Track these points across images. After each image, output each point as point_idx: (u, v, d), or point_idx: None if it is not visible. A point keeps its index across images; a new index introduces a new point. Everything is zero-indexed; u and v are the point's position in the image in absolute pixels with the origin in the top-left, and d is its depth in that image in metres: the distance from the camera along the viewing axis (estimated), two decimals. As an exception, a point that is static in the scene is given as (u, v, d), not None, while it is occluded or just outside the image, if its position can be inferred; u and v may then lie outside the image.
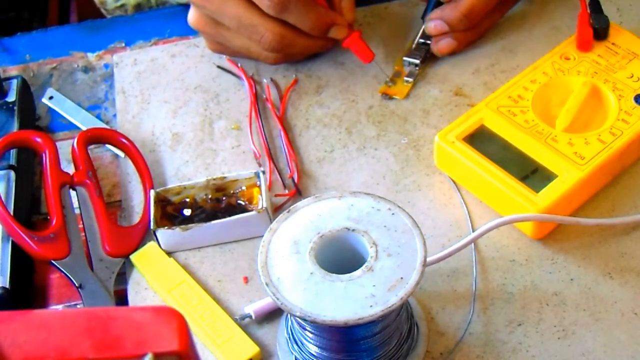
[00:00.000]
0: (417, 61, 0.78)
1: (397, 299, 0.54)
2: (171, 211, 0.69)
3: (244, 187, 0.69)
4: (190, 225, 0.67)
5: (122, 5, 0.94)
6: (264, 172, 0.69)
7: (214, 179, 0.69)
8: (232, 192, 0.70)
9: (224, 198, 0.69)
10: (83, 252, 0.68)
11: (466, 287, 0.64)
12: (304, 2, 0.73)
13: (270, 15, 0.73)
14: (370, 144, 0.74)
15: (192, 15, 0.77)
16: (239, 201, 0.69)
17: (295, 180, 0.71)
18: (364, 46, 0.77)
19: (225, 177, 0.69)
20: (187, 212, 0.69)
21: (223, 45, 0.78)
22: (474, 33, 0.78)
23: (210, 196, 0.69)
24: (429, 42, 0.78)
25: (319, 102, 0.77)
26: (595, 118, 0.69)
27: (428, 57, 0.78)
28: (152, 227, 0.68)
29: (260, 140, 0.74)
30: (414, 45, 0.79)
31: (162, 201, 0.69)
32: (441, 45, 0.77)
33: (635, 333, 0.61)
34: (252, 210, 0.68)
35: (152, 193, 0.69)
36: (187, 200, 0.70)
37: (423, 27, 0.78)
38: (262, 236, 0.58)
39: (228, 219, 0.67)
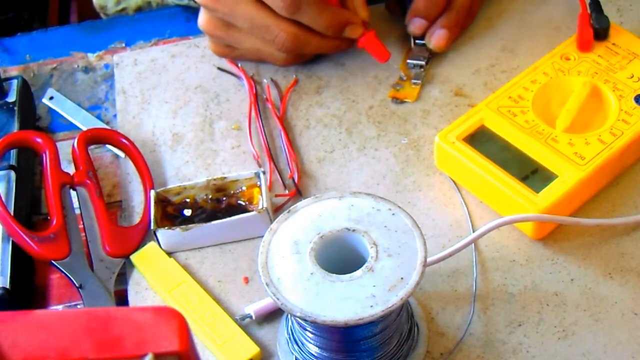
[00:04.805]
0: (422, 62, 0.78)
1: (398, 299, 0.54)
2: (171, 211, 0.69)
3: (244, 188, 0.69)
4: (190, 225, 0.67)
5: (123, 9, 0.94)
6: (264, 173, 0.69)
7: (214, 179, 0.69)
8: (232, 192, 0.70)
9: (224, 198, 0.69)
10: (83, 252, 0.68)
11: (466, 288, 0.64)
12: (316, 2, 0.72)
13: (284, 16, 0.73)
14: (370, 144, 0.74)
15: (202, 19, 0.76)
16: (239, 201, 0.69)
17: (296, 180, 0.71)
18: (380, 45, 0.76)
19: (225, 178, 0.69)
20: (187, 212, 0.69)
21: (231, 47, 0.78)
22: (459, 16, 0.77)
23: (210, 196, 0.69)
24: (424, 41, 0.78)
25: (319, 103, 0.77)
26: (595, 118, 0.69)
27: (431, 58, 0.78)
28: (152, 227, 0.68)
29: (260, 141, 0.74)
30: (412, 47, 0.78)
31: (163, 201, 0.69)
32: (435, 41, 0.77)
33: (635, 333, 0.61)
34: (252, 211, 0.68)
35: (152, 193, 0.69)
36: (188, 200, 0.70)
37: (409, 32, 0.78)
38: (263, 236, 0.58)
39: (228, 219, 0.67)
